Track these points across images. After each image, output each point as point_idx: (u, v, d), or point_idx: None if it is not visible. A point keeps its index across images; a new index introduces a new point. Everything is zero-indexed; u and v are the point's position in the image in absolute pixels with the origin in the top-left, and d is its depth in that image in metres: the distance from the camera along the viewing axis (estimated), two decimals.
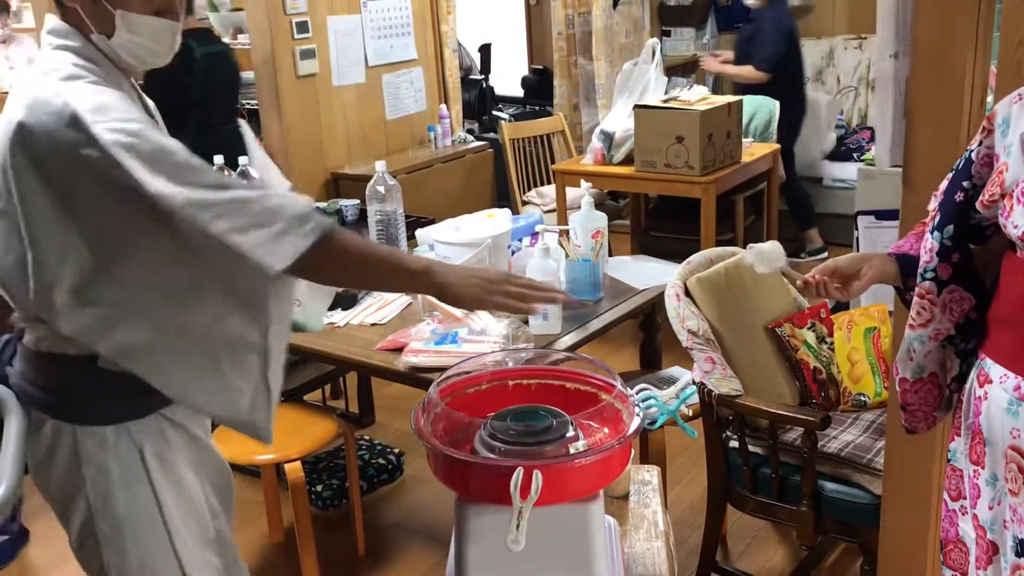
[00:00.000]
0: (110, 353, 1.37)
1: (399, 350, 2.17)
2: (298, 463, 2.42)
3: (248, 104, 4.38)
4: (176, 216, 1.27)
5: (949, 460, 1.57)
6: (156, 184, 1.25)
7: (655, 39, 4.52)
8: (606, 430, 1.24)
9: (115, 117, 1.28)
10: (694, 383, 1.72)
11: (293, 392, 2.91)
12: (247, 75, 4.39)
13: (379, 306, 2.47)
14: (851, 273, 1.55)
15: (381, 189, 2.71)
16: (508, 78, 6.54)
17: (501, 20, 6.61)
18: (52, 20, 1.41)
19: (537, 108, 6.10)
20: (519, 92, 6.46)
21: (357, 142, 4.47)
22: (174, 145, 1.30)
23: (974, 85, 2.21)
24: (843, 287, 1.55)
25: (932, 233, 1.47)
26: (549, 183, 4.65)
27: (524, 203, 4.60)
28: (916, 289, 1.49)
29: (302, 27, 4.08)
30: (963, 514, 1.53)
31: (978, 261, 1.48)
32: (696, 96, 3.87)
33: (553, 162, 4.65)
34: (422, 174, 4.42)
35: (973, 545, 1.50)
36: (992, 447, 1.43)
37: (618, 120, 4.06)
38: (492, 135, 5.32)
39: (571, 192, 4.11)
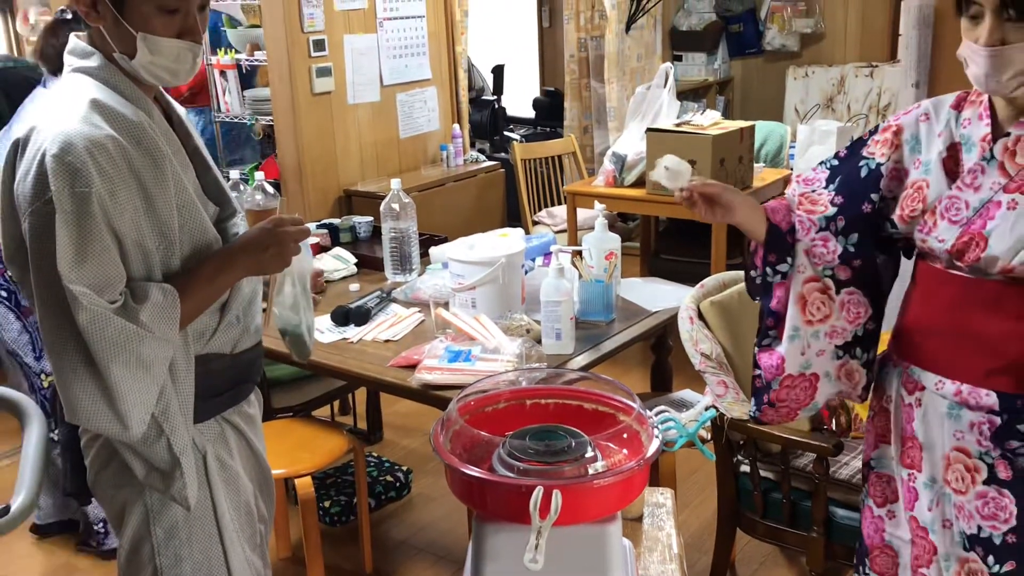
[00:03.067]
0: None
1: (412, 367, 2.17)
2: (308, 478, 2.42)
3: (264, 120, 4.41)
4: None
5: (873, 467, 1.64)
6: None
7: (668, 63, 4.55)
8: (624, 451, 1.24)
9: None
10: (709, 407, 1.72)
11: (302, 407, 2.91)
12: (263, 91, 4.42)
13: (392, 323, 2.48)
14: (720, 202, 1.57)
15: (396, 207, 2.73)
16: (520, 99, 6.58)
17: (514, 42, 6.66)
18: (74, 40, 1.43)
19: (548, 129, 6.13)
20: (530, 113, 6.50)
21: (370, 160, 4.50)
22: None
23: None
24: (708, 208, 1.58)
25: (836, 237, 1.56)
26: (559, 204, 4.67)
27: (534, 223, 4.62)
28: (816, 284, 1.57)
29: (319, 45, 4.12)
30: (891, 519, 1.61)
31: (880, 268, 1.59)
32: (708, 120, 3.89)
33: (564, 183, 4.67)
34: (434, 192, 4.44)
35: (905, 548, 1.57)
36: (930, 451, 1.52)
37: (630, 143, 4.08)
38: (503, 155, 5.35)
39: (581, 213, 4.13)
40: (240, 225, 1.57)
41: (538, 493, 1.08)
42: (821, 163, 1.63)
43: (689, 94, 5.75)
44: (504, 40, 6.68)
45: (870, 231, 1.54)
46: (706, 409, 1.55)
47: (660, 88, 4.13)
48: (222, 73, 4.47)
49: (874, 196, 1.53)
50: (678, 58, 6.07)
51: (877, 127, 1.59)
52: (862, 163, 1.55)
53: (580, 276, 2.45)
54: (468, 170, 4.77)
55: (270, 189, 2.94)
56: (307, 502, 2.42)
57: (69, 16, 2.39)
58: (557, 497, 1.09)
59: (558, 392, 1.37)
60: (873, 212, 1.53)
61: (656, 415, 1.27)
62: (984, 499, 1.47)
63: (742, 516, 2.27)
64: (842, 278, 1.55)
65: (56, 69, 2.44)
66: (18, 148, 1.34)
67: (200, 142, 1.57)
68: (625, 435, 1.26)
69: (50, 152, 1.28)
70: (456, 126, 4.89)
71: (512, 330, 2.30)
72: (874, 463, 1.64)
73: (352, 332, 2.44)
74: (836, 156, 1.61)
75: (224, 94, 4.51)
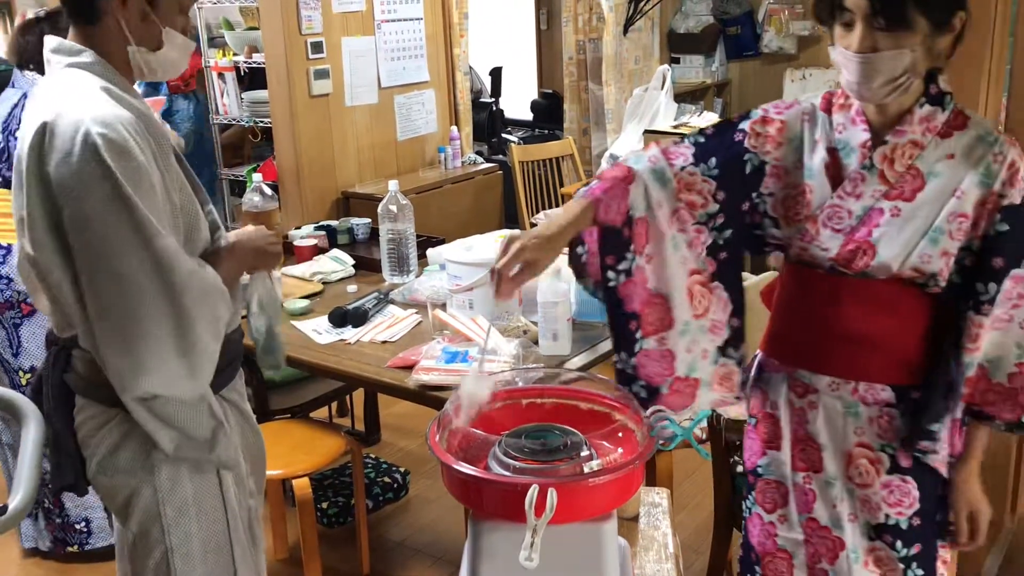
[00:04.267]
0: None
1: (409, 368, 2.18)
2: (306, 479, 2.43)
3: (261, 122, 4.41)
4: None
5: (760, 475, 1.65)
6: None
7: (666, 66, 4.56)
8: (620, 450, 1.25)
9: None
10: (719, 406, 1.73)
11: (300, 409, 2.92)
12: (261, 93, 4.43)
13: (389, 324, 2.48)
14: (528, 270, 1.40)
15: (393, 208, 2.74)
16: (518, 102, 6.59)
17: (512, 45, 6.67)
18: (57, 40, 1.48)
19: (546, 132, 6.14)
20: (528, 115, 6.51)
21: (368, 162, 4.50)
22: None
23: (987, 115, 2.23)
24: (517, 281, 1.42)
25: (711, 231, 1.52)
26: (557, 206, 4.67)
27: (532, 225, 4.61)
28: (699, 276, 1.52)
29: (317, 47, 4.12)
30: (782, 523, 1.62)
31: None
32: (706, 122, 3.91)
33: (562, 185, 4.68)
34: (432, 194, 4.44)
35: (800, 548, 1.59)
36: (830, 450, 1.55)
37: (628, 145, 4.10)
38: (501, 157, 5.35)
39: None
40: (211, 208, 1.63)
41: (533, 491, 1.09)
42: (684, 138, 1.55)
43: (687, 96, 5.76)
44: (502, 42, 6.69)
45: (743, 227, 1.54)
46: (703, 408, 1.56)
47: (657, 90, 4.15)
48: (220, 75, 4.48)
49: (753, 194, 1.52)
50: (676, 60, 6.08)
51: (748, 113, 1.54)
52: (746, 157, 1.51)
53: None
54: (466, 172, 4.77)
55: (268, 191, 2.94)
56: (305, 503, 2.42)
57: (42, 15, 2.45)
58: (552, 495, 1.09)
59: (554, 391, 1.38)
60: (750, 209, 1.53)
61: (651, 415, 1.28)
62: (889, 488, 1.52)
63: (738, 516, 2.27)
64: (711, 271, 1.54)
65: (22, 65, 2.48)
66: (45, 132, 1.36)
67: None
68: (620, 434, 1.27)
69: (94, 131, 1.33)
70: (454, 128, 4.89)
71: (509, 331, 2.30)
72: (761, 470, 1.64)
73: (350, 333, 2.44)
74: (702, 132, 1.54)
75: (222, 96, 4.51)
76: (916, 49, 1.35)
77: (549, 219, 1.43)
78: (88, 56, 1.45)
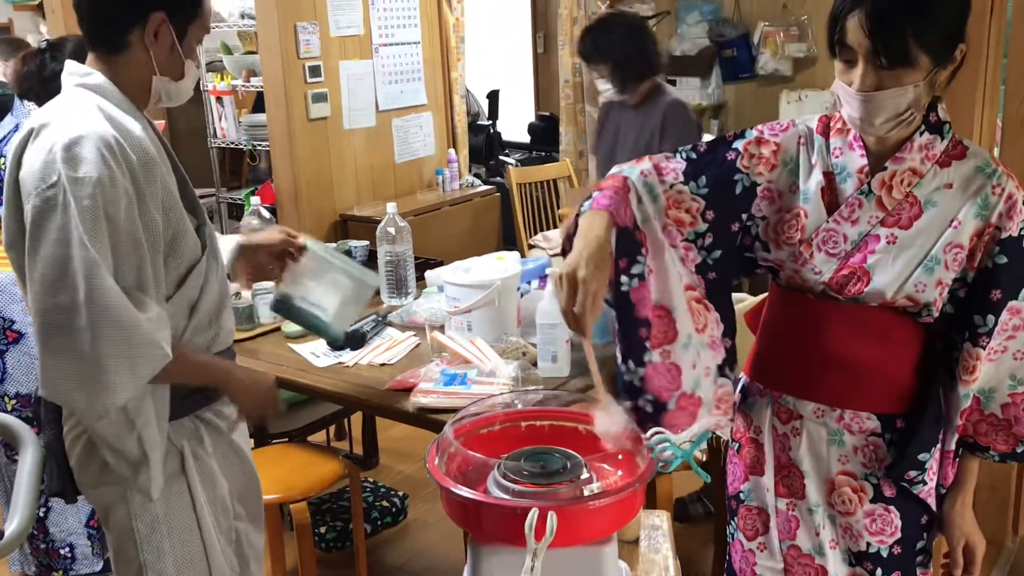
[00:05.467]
0: None
1: (408, 390, 2.17)
2: (304, 504, 2.41)
3: (260, 145, 4.43)
4: None
5: (743, 501, 1.64)
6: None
7: None
8: (619, 473, 1.24)
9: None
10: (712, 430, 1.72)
11: (298, 432, 2.90)
12: (259, 117, 4.45)
13: (388, 346, 2.47)
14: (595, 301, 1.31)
15: (392, 230, 2.74)
16: (515, 124, 6.62)
17: (509, 68, 6.71)
18: (73, 63, 1.56)
19: (543, 154, 6.16)
20: (526, 138, 6.54)
21: (366, 184, 4.52)
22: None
23: (982, 137, 2.25)
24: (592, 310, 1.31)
25: (700, 250, 1.48)
26: (555, 227, 4.68)
27: (530, 247, 4.62)
28: (693, 292, 1.48)
29: (315, 71, 4.15)
30: (762, 551, 1.61)
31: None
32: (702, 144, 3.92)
33: (559, 207, 4.69)
34: (430, 216, 4.45)
35: None
36: (812, 477, 1.54)
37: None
38: (499, 179, 5.37)
39: (574, 215, 4.13)
40: (212, 230, 1.68)
41: (533, 515, 1.08)
42: (676, 152, 1.51)
43: None
44: (499, 66, 6.73)
45: (733, 249, 1.51)
46: (702, 430, 1.55)
47: None
48: (218, 99, 4.50)
49: (744, 215, 1.49)
50: (672, 83, 6.10)
51: (743, 132, 1.52)
52: (737, 178, 1.48)
53: None
54: (464, 194, 4.79)
55: (266, 214, 2.95)
56: (303, 528, 2.41)
57: (44, 46, 2.48)
58: (552, 519, 1.08)
59: (553, 414, 1.37)
60: (740, 230, 1.50)
61: (651, 436, 1.27)
62: (872, 517, 1.51)
63: None
64: (700, 288, 1.51)
65: (23, 94, 2.50)
66: (28, 139, 1.46)
67: (178, 164, 1.69)
68: (620, 456, 1.26)
69: (59, 143, 1.41)
70: (452, 151, 4.91)
71: (508, 353, 2.30)
72: (744, 496, 1.63)
73: (348, 356, 2.43)
74: (694, 149, 1.51)
75: (220, 120, 4.53)
76: (919, 85, 1.34)
77: (581, 243, 1.36)
78: (96, 78, 1.53)
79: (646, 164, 1.49)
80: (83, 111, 1.48)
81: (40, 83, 2.34)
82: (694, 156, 1.50)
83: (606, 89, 3.04)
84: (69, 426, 1.56)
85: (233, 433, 1.72)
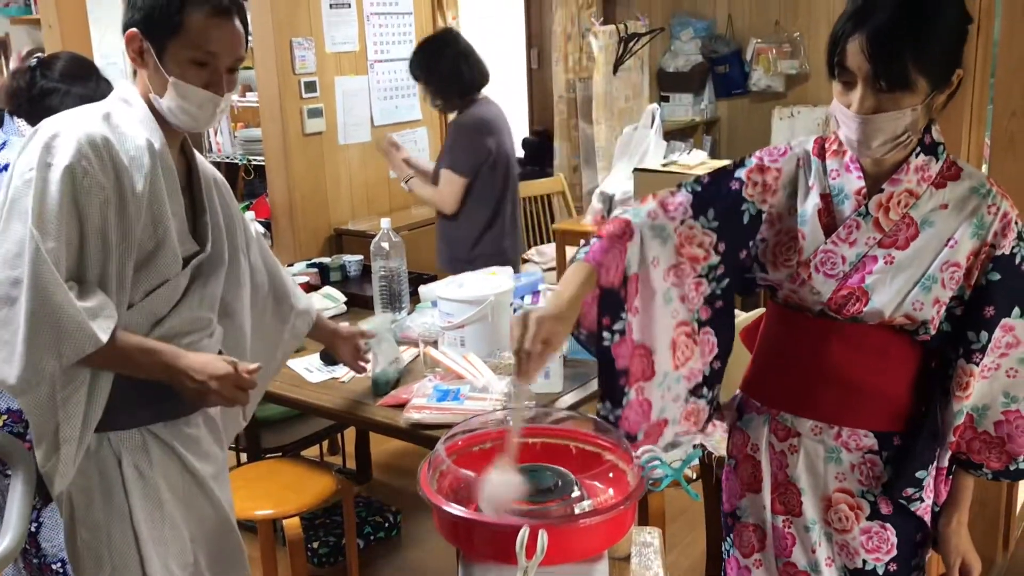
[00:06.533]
0: None
1: (401, 406, 2.17)
2: (296, 519, 2.41)
3: (255, 160, 4.44)
4: None
5: (739, 518, 1.64)
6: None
7: (655, 104, 4.62)
8: (611, 491, 1.25)
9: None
10: (696, 446, 1.73)
11: (291, 447, 2.90)
12: (254, 131, 4.46)
13: None
14: (549, 348, 1.33)
15: (386, 245, 2.75)
16: None
17: (503, 84, 6.73)
18: (125, 84, 1.64)
19: (537, 169, 6.19)
20: (520, 153, 6.56)
21: (361, 199, 4.53)
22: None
23: (970, 156, 2.27)
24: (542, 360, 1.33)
25: (710, 282, 1.51)
26: (549, 242, 4.70)
27: (524, 261, 4.64)
28: (686, 327, 1.50)
29: (310, 87, 4.17)
30: (758, 567, 1.62)
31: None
32: (695, 161, 3.95)
33: (553, 222, 4.71)
34: (425, 231, 4.45)
35: None
36: (809, 495, 1.54)
37: (618, 182, 4.13)
38: None
39: (570, 251, 4.15)
40: (215, 266, 1.66)
41: (524, 533, 1.09)
42: (680, 186, 1.53)
43: (677, 134, 5.82)
44: (493, 82, 6.75)
45: (739, 275, 1.53)
46: (693, 448, 1.56)
47: (647, 129, 4.19)
48: None
49: (751, 243, 1.51)
50: (665, 99, 6.15)
51: (743, 160, 1.53)
52: (744, 207, 1.50)
53: None
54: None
55: (260, 228, 2.96)
56: (295, 543, 2.40)
57: (34, 63, 2.48)
58: (543, 537, 1.09)
59: (544, 431, 1.38)
60: (747, 257, 1.52)
61: (642, 454, 1.28)
62: (868, 534, 1.52)
63: None
64: (703, 318, 1.53)
65: (13, 111, 2.49)
66: (31, 139, 1.50)
67: (220, 198, 1.72)
68: (611, 474, 1.27)
69: (46, 135, 1.47)
70: None
71: (501, 368, 2.31)
72: (740, 513, 1.64)
73: (341, 371, 2.44)
74: (698, 181, 1.53)
75: (215, 134, 4.54)
76: (917, 109, 1.35)
77: (555, 292, 1.39)
78: (128, 92, 1.59)
79: (651, 204, 1.50)
80: (84, 114, 1.52)
81: (29, 100, 2.33)
82: (699, 189, 1.51)
83: (437, 104, 3.31)
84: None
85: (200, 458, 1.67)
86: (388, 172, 4.67)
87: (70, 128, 1.48)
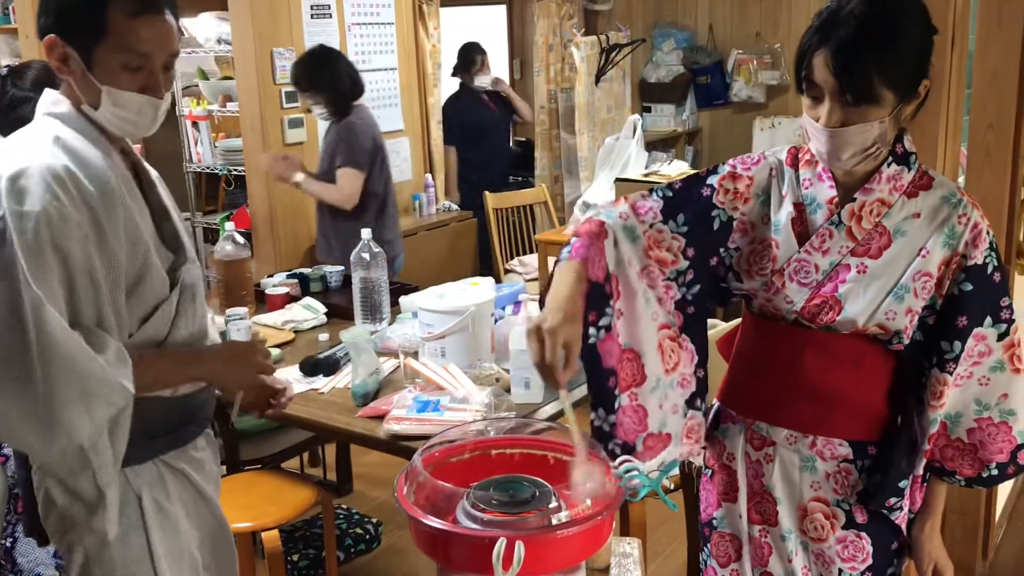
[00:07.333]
0: None
1: (380, 417, 2.16)
2: (275, 532, 2.39)
3: (235, 170, 4.42)
4: None
5: (715, 527, 1.64)
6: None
7: (636, 115, 4.64)
8: (588, 501, 1.24)
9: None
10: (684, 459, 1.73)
11: (271, 459, 2.88)
12: (234, 141, 4.44)
13: None
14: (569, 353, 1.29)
15: (366, 256, 2.74)
16: None
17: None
18: (48, 92, 1.50)
19: (520, 179, 6.19)
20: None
21: None
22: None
23: (945, 167, 2.29)
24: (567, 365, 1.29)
25: (679, 287, 1.50)
26: (531, 252, 4.70)
27: (506, 272, 4.64)
28: (668, 331, 1.50)
29: (291, 96, 4.15)
30: None
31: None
32: (676, 171, 3.97)
33: (535, 232, 4.71)
34: (406, 241, 4.44)
35: None
36: (784, 504, 1.55)
37: (600, 192, 4.14)
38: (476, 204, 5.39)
39: (552, 263, 4.16)
40: (192, 270, 1.58)
41: (501, 544, 1.08)
42: (652, 190, 1.53)
43: (658, 144, 5.84)
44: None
45: (711, 282, 1.53)
46: (671, 458, 1.56)
47: (629, 139, 4.21)
48: (194, 124, 4.50)
49: (722, 250, 1.51)
50: (647, 109, 6.18)
51: (716, 168, 1.54)
52: (714, 213, 1.50)
53: None
54: (441, 219, 4.80)
55: (240, 239, 2.94)
56: (274, 556, 2.38)
57: (4, 72, 2.45)
58: (520, 548, 1.08)
59: (523, 442, 1.37)
60: (718, 263, 1.52)
61: (619, 465, 1.28)
62: (844, 543, 1.53)
63: None
64: (678, 324, 1.53)
65: None
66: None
67: (166, 196, 1.61)
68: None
69: (5, 175, 1.35)
70: (429, 176, 4.93)
71: (481, 379, 2.30)
72: (716, 522, 1.64)
73: (321, 382, 2.42)
74: (670, 187, 1.53)
75: (196, 144, 4.52)
76: (884, 121, 1.36)
77: (551, 295, 1.37)
78: (63, 106, 1.46)
79: (623, 206, 1.50)
80: (36, 141, 1.41)
81: (0, 110, 2.31)
82: (670, 194, 1.51)
83: (319, 112, 3.57)
84: (36, 466, 1.48)
85: (203, 474, 1.62)
86: None
87: (30, 164, 1.35)
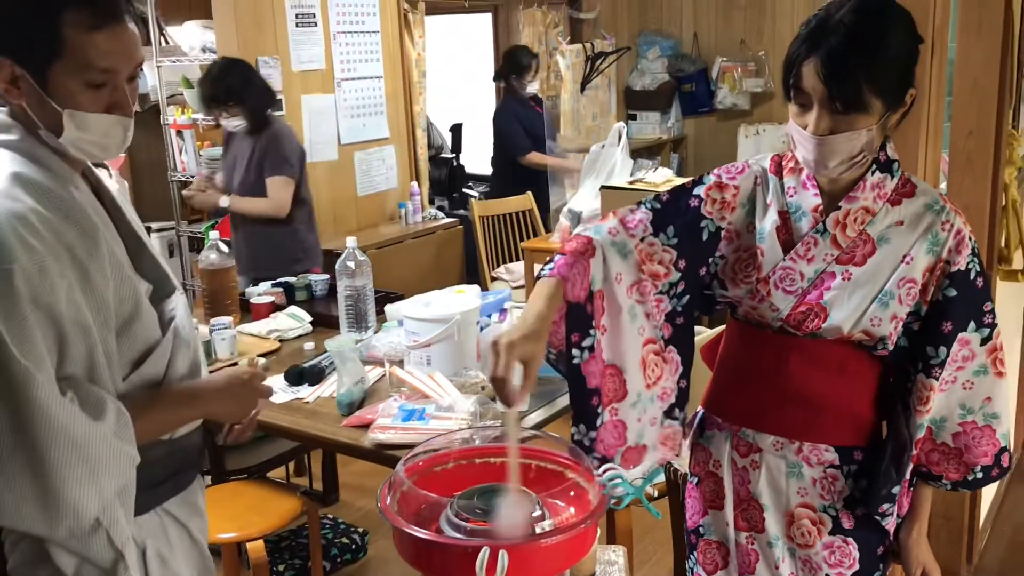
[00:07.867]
0: None
1: (366, 426, 2.15)
2: (260, 542, 2.38)
3: None
4: None
5: (702, 535, 1.65)
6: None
7: (622, 123, 4.66)
8: (572, 509, 1.24)
9: None
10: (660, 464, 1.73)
11: (256, 469, 2.87)
12: (220, 151, 4.42)
13: None
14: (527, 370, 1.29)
15: (351, 264, 2.73)
16: (478, 157, 6.65)
17: (472, 101, 6.76)
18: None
19: (507, 187, 6.20)
20: (488, 171, 6.57)
21: (328, 217, 4.51)
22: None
23: (926, 174, 2.30)
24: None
25: (671, 299, 1.51)
26: (518, 260, 4.70)
27: (493, 279, 4.64)
28: (654, 345, 1.50)
29: (276, 105, 4.15)
30: None
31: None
32: (661, 178, 3.98)
33: (522, 239, 4.72)
34: (392, 249, 4.45)
35: None
36: (771, 510, 1.55)
37: (585, 200, 4.15)
38: (462, 212, 5.39)
39: (539, 269, 4.16)
40: (176, 302, 1.47)
41: (484, 554, 1.08)
42: (640, 203, 1.52)
43: (644, 152, 5.87)
44: (462, 100, 6.77)
45: (699, 292, 1.54)
46: (655, 466, 1.56)
47: (614, 147, 4.22)
48: (178, 133, 4.48)
49: (711, 260, 1.52)
50: (632, 117, 6.20)
51: (701, 178, 1.54)
52: (703, 224, 1.50)
53: None
54: (427, 227, 4.80)
55: (225, 248, 2.93)
56: (259, 566, 2.37)
57: None
58: (503, 557, 1.08)
59: (506, 451, 1.37)
60: (706, 273, 1.53)
61: (603, 473, 1.28)
62: (830, 549, 1.53)
63: None
64: (666, 336, 1.53)
65: None
66: None
67: (134, 219, 1.47)
68: (573, 492, 1.26)
69: None
70: (414, 184, 4.93)
71: (467, 388, 2.30)
72: (703, 530, 1.64)
73: (306, 392, 2.42)
74: (657, 199, 1.53)
75: (180, 153, 4.51)
76: (872, 129, 1.37)
77: (523, 312, 1.37)
78: (16, 133, 1.30)
79: (612, 221, 1.50)
80: None
81: None
82: (658, 207, 1.51)
83: (235, 125, 3.52)
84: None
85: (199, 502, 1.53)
86: (355, 191, 4.67)
87: None
